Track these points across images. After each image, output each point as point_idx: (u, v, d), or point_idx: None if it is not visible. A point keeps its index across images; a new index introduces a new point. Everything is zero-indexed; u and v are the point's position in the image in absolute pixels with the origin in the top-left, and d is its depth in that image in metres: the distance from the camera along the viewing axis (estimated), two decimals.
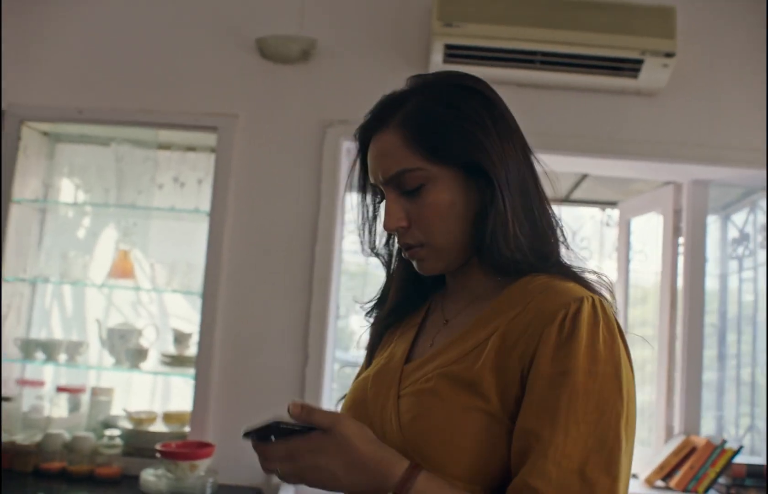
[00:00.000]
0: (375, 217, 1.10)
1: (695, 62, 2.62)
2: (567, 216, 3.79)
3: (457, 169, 0.96)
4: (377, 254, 1.13)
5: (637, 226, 3.24)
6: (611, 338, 0.87)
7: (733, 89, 2.64)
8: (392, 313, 1.13)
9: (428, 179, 0.96)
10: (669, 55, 2.43)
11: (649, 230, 3.15)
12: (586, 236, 3.81)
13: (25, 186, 2.70)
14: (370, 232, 1.11)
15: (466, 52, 2.49)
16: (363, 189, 1.09)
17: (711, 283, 3.21)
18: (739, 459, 2.58)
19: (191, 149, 2.79)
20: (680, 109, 2.63)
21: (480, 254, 0.99)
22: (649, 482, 2.66)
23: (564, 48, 2.47)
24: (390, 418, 0.95)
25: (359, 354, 1.24)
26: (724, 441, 2.59)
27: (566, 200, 3.75)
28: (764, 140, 2.61)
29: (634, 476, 2.88)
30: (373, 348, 1.15)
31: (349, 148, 2.69)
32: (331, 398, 2.65)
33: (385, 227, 1.00)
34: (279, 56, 2.61)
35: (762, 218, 3.01)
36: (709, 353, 3.17)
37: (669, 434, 2.82)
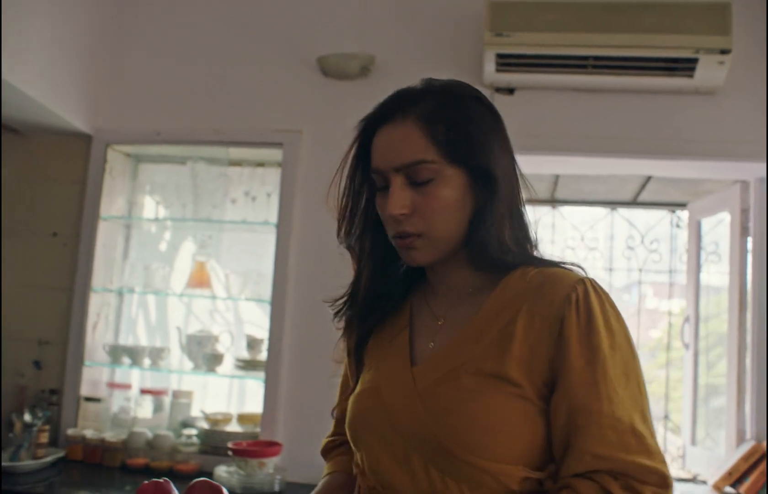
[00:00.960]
0: (359, 206, 1.13)
1: (754, 58, 2.57)
2: (636, 219, 3.74)
3: (465, 170, 1.04)
4: (349, 247, 1.15)
5: (708, 227, 3.18)
6: (614, 311, 0.98)
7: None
8: (371, 313, 1.16)
9: (439, 174, 1.02)
10: (725, 52, 2.40)
11: (721, 230, 3.09)
12: (656, 239, 3.74)
13: (111, 204, 2.94)
14: (351, 221, 1.14)
15: (517, 60, 2.54)
16: (352, 178, 1.13)
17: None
18: None
19: (260, 164, 2.96)
20: (740, 106, 2.58)
21: (470, 251, 1.06)
22: (718, 488, 2.61)
23: (616, 51, 2.48)
24: (419, 419, 0.99)
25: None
26: None
27: (634, 203, 3.70)
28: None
29: (703, 482, 2.83)
30: (359, 352, 1.17)
31: None
32: None
33: (390, 211, 1.03)
34: (339, 73, 2.74)
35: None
36: None
37: (740, 438, 2.76)
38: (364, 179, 1.12)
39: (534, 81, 2.64)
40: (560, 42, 2.48)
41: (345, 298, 1.18)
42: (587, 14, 2.48)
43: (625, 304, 4.12)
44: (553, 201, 3.73)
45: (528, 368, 0.97)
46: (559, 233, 3.85)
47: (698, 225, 3.18)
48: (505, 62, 2.56)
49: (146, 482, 1.08)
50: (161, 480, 1.08)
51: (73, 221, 2.89)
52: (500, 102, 2.64)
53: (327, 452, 1.33)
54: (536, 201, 3.52)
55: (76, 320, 2.82)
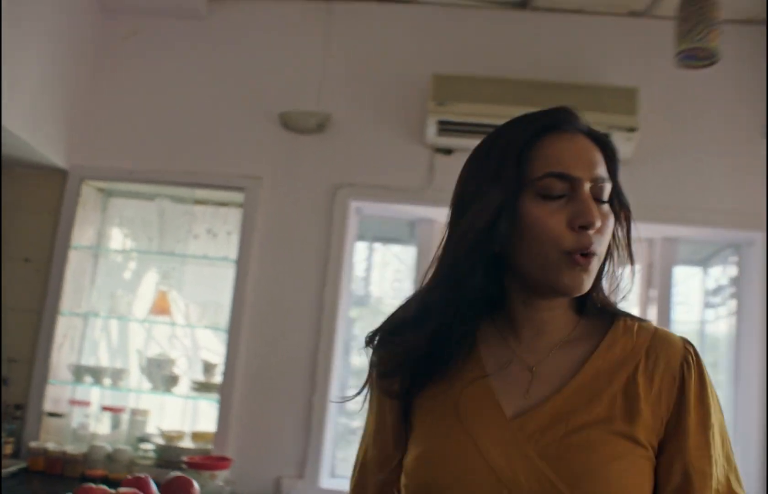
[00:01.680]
0: (503, 214, 0.96)
1: (662, 134, 2.98)
2: None
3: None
4: (472, 265, 0.98)
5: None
6: (709, 376, 0.99)
7: (697, 157, 2.99)
8: (438, 353, 1.00)
9: (609, 202, 0.99)
10: (632, 130, 2.81)
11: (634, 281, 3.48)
12: None
13: (81, 234, 3.17)
14: (489, 230, 0.97)
15: (456, 126, 2.90)
16: (508, 177, 0.97)
17: (692, 328, 3.51)
18: None
19: (223, 204, 3.24)
20: (648, 175, 2.98)
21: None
22: None
23: None
24: (545, 482, 0.90)
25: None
26: None
27: None
28: (727, 202, 2.96)
29: None
30: (407, 401, 1.03)
31: (357, 207, 3.11)
32: (332, 420, 3.02)
33: (590, 220, 0.93)
34: (298, 128, 3.07)
35: (732, 271, 3.31)
36: None
37: None
38: (519, 184, 0.96)
39: (470, 144, 2.98)
40: (493, 113, 2.85)
41: (397, 327, 1.03)
42: (516, 90, 2.88)
43: None
44: None
45: (651, 429, 0.94)
46: None
47: None
48: (445, 127, 2.92)
49: (129, 477, 1.18)
50: (143, 476, 1.20)
51: (46, 248, 3.11)
52: (439, 162, 3.00)
53: None
54: None
55: (43, 340, 3.04)
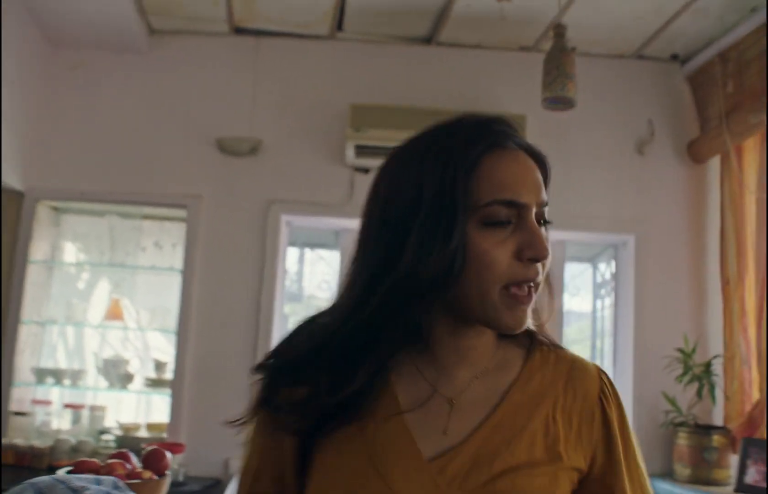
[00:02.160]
0: (450, 235, 0.84)
1: (548, 154, 3.47)
2: None
3: None
4: (408, 303, 0.87)
5: None
6: (621, 399, 0.98)
7: (580, 173, 3.50)
8: (346, 403, 0.88)
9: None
10: None
11: None
12: None
13: (37, 250, 3.51)
14: (447, 273, 0.85)
15: (371, 150, 3.34)
16: (453, 201, 0.85)
17: (585, 319, 4.07)
18: None
19: (168, 219, 3.62)
20: None
21: None
22: None
23: None
24: None
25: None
26: None
27: None
28: (605, 210, 3.49)
29: None
30: (309, 442, 0.91)
31: (287, 221, 3.53)
32: None
33: (542, 252, 0.85)
34: (233, 151, 3.46)
35: (613, 268, 3.87)
36: None
37: None
38: (461, 209, 0.85)
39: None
40: (402, 137, 3.29)
41: (299, 359, 0.93)
42: (423, 118, 3.29)
43: None
44: None
45: (573, 470, 0.90)
46: None
47: None
48: (362, 150, 3.36)
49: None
50: (124, 451, 1.53)
51: (6, 263, 3.44)
52: (358, 179, 3.45)
53: None
54: None
55: (7, 347, 3.38)
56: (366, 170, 3.47)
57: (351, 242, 3.15)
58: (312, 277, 3.81)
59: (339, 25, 3.49)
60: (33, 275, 3.48)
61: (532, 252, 0.85)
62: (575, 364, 0.97)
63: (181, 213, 3.51)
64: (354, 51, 3.56)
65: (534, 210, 0.88)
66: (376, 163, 3.50)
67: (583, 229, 3.55)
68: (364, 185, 3.42)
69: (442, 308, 0.90)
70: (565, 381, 0.95)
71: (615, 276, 3.73)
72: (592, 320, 4.09)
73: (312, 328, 0.96)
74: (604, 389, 0.95)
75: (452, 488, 0.85)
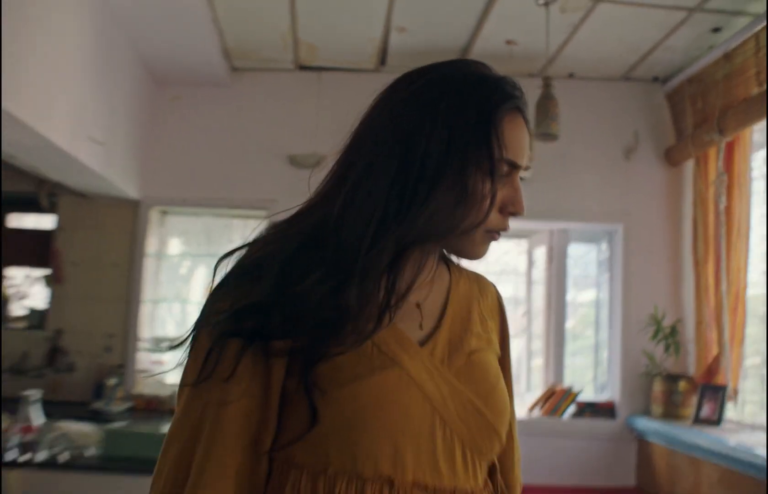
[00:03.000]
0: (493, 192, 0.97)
1: (551, 161, 4.33)
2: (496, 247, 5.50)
3: None
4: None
5: (538, 254, 4.97)
6: None
7: (577, 175, 4.35)
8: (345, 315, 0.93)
9: None
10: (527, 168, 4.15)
11: (542, 256, 4.88)
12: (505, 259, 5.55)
13: (150, 245, 4.49)
14: (490, 207, 0.97)
15: None
16: (496, 155, 0.95)
17: (590, 291, 4.92)
18: (580, 398, 4.32)
19: (251, 218, 4.57)
20: (543, 189, 4.34)
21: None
22: (530, 409, 4.40)
23: None
24: (465, 402, 0.97)
25: None
26: (571, 387, 4.34)
27: None
28: (598, 205, 4.34)
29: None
30: (309, 358, 0.92)
31: None
32: None
33: (521, 210, 1.01)
34: (301, 164, 4.38)
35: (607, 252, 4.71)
36: (581, 333, 4.90)
37: (548, 384, 4.56)
38: (487, 158, 0.95)
39: None
40: None
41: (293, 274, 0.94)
42: None
43: None
44: None
45: (496, 348, 1.10)
46: None
47: (531, 253, 4.97)
48: None
49: None
50: None
51: (126, 256, 4.44)
52: None
53: None
54: None
55: (131, 322, 4.38)
56: None
57: None
58: None
59: (382, 61, 4.37)
60: (148, 265, 4.48)
61: (515, 209, 1.01)
62: (480, 277, 1.16)
63: (261, 213, 4.45)
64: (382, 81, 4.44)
65: (519, 169, 1.00)
66: None
67: (581, 219, 4.41)
68: None
69: None
70: (478, 288, 1.14)
71: (609, 257, 4.59)
72: (597, 290, 4.95)
73: (311, 256, 0.96)
74: (500, 298, 1.17)
75: (443, 366, 0.99)
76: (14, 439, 2.57)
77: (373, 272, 0.94)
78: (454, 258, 1.12)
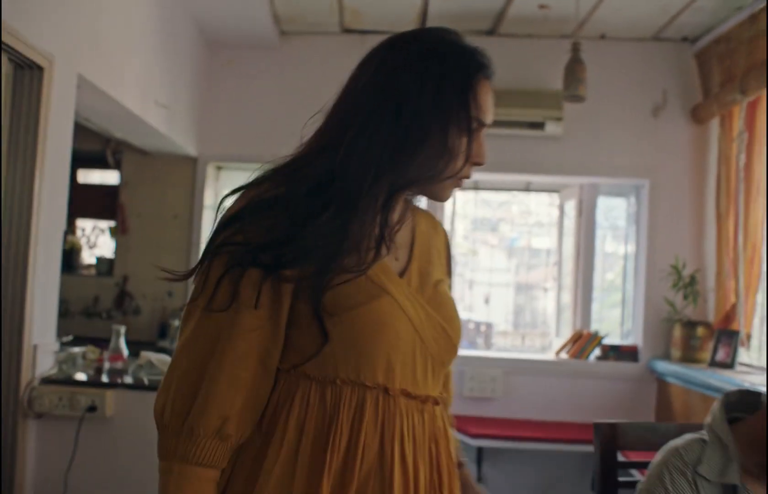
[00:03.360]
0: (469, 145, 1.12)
1: (581, 118, 4.56)
2: (529, 200, 5.78)
3: None
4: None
5: (569, 207, 5.23)
6: None
7: (607, 131, 4.59)
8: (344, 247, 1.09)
9: None
10: (558, 119, 4.41)
11: (572, 209, 5.14)
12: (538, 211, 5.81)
13: (207, 197, 4.88)
14: (465, 160, 1.14)
15: None
16: (461, 119, 1.10)
17: (620, 243, 5.18)
18: (605, 342, 4.62)
19: None
20: (573, 146, 4.59)
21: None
22: (557, 353, 4.73)
23: (503, 116, 4.47)
24: (435, 324, 1.16)
25: None
26: (597, 332, 4.64)
27: (527, 190, 5.72)
28: (626, 160, 4.58)
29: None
30: (317, 282, 1.07)
31: None
32: None
33: (484, 161, 1.16)
34: None
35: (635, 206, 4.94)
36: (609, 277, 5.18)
37: (575, 329, 4.86)
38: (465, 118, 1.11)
39: None
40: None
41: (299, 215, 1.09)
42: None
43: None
44: (476, 188, 5.75)
45: (449, 277, 1.32)
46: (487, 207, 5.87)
47: (563, 206, 5.23)
48: None
49: None
50: None
51: (187, 208, 4.83)
52: None
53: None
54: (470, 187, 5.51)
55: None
56: None
57: None
58: None
59: (423, 23, 4.63)
60: (205, 217, 4.87)
61: (480, 160, 1.15)
62: (431, 216, 1.34)
63: None
64: None
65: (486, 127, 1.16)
66: None
67: (609, 175, 4.66)
68: None
69: None
70: (432, 226, 1.31)
71: (636, 211, 4.83)
72: (625, 241, 5.21)
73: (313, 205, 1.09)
74: (446, 235, 1.36)
75: (418, 294, 1.17)
76: (106, 366, 3.00)
77: (371, 211, 1.09)
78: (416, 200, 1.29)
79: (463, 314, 5.77)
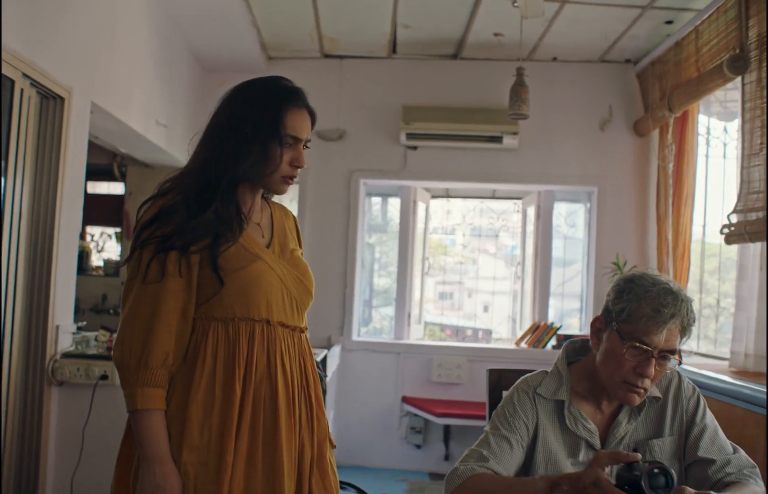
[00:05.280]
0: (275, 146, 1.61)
1: (535, 132, 5.12)
2: (495, 206, 6.33)
3: None
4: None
5: (530, 212, 5.77)
6: None
7: (559, 144, 5.14)
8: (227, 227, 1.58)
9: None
10: (514, 133, 4.96)
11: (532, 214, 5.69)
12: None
13: None
14: (279, 163, 1.62)
15: (417, 136, 5.06)
16: (281, 131, 1.61)
17: (578, 245, 5.72)
18: (561, 332, 5.15)
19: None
20: (528, 157, 5.15)
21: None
22: (516, 343, 5.26)
23: (465, 131, 5.03)
24: (296, 278, 1.68)
25: None
26: (552, 323, 5.17)
27: (493, 197, 6.26)
28: (577, 169, 5.12)
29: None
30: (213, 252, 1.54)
31: (364, 182, 5.32)
32: (358, 303, 5.34)
33: (303, 165, 1.66)
34: (327, 138, 5.25)
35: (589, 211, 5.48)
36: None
37: (532, 321, 5.40)
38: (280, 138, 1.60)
39: (427, 144, 5.21)
40: (438, 129, 5.01)
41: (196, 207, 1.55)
42: (452, 114, 5.02)
43: None
44: (447, 196, 6.30)
45: (299, 248, 1.81)
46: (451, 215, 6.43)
47: (526, 212, 5.78)
48: (411, 136, 5.08)
49: None
50: None
51: None
52: (408, 154, 5.19)
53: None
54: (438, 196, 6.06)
55: None
56: (414, 148, 5.22)
57: (406, 193, 4.98)
58: (386, 214, 5.64)
59: (393, 50, 5.19)
60: None
61: (298, 163, 1.64)
62: (283, 206, 1.84)
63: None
64: (404, 67, 5.27)
65: (303, 143, 1.66)
66: (421, 143, 5.29)
67: (562, 183, 5.22)
68: (413, 158, 5.22)
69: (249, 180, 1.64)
70: (285, 214, 1.81)
71: (588, 214, 5.38)
72: (586, 241, 5.74)
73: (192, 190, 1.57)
74: (295, 219, 1.85)
75: (280, 258, 1.67)
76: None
77: (227, 200, 1.57)
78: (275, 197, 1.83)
79: (462, 321, 6.39)
